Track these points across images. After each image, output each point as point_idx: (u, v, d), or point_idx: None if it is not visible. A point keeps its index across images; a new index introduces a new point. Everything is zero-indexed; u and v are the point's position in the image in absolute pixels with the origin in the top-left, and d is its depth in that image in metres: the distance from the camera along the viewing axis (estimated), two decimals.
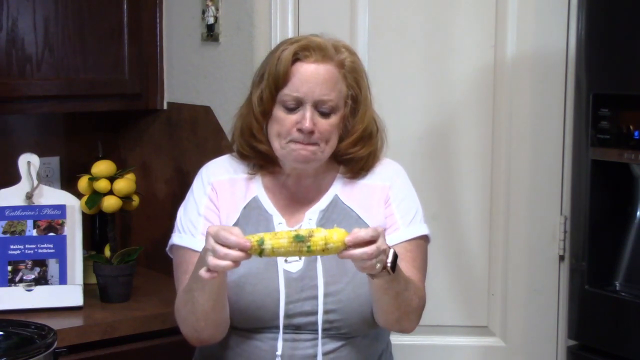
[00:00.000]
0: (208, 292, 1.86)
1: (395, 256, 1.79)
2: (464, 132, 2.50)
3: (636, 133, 2.00)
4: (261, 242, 1.73)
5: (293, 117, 1.95)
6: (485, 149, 2.50)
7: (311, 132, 1.94)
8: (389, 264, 1.78)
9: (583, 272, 2.12)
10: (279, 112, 1.97)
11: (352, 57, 2.01)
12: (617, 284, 2.12)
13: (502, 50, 2.46)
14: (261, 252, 1.73)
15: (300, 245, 1.73)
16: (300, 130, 1.94)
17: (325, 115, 1.96)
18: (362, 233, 1.73)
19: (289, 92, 1.95)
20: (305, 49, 1.96)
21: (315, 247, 1.73)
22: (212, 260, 1.73)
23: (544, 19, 2.42)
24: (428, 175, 2.51)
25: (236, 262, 1.73)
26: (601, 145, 2.07)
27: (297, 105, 1.95)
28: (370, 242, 1.73)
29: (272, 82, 1.96)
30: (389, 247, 1.79)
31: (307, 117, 1.93)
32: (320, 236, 1.73)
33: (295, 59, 1.96)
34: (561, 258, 2.46)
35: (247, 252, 1.73)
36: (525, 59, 2.45)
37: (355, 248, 1.73)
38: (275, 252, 1.74)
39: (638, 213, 2.14)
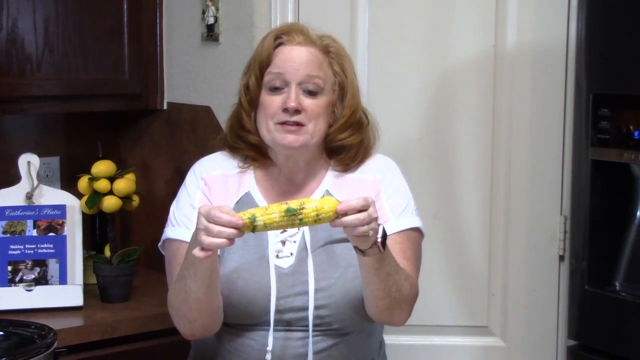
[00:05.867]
0: (201, 279, 1.85)
1: (385, 234, 1.81)
2: (464, 132, 2.50)
3: (636, 133, 2.00)
4: (253, 219, 1.73)
5: (279, 99, 1.98)
6: (485, 148, 2.50)
7: (297, 112, 1.96)
8: (379, 239, 1.78)
9: (583, 272, 2.12)
10: (265, 97, 2.00)
11: (336, 44, 2.05)
12: (617, 284, 2.12)
13: (502, 51, 2.46)
14: (254, 229, 1.74)
15: (292, 218, 1.73)
16: (286, 110, 1.95)
17: (311, 95, 1.98)
18: (353, 202, 1.74)
19: (273, 70, 1.99)
20: (286, 33, 2.02)
21: (307, 219, 1.73)
22: (206, 239, 1.73)
23: (544, 19, 2.42)
24: (428, 175, 2.51)
25: (230, 240, 1.73)
26: (601, 145, 2.06)
27: (282, 85, 1.98)
28: (361, 210, 1.74)
29: (256, 67, 2.01)
30: (379, 224, 1.80)
31: (292, 96, 1.96)
32: (312, 207, 1.73)
33: (279, 43, 2.01)
34: (561, 258, 2.46)
35: (240, 229, 1.73)
36: (525, 60, 2.45)
37: (346, 216, 1.73)
38: (267, 227, 1.74)
39: (638, 213, 2.13)
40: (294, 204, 1.74)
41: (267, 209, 1.75)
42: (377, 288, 1.89)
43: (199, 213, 1.76)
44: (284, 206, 1.74)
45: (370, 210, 1.75)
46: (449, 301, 2.55)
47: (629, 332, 2.04)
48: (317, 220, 1.74)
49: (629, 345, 2.03)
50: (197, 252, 1.76)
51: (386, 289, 1.89)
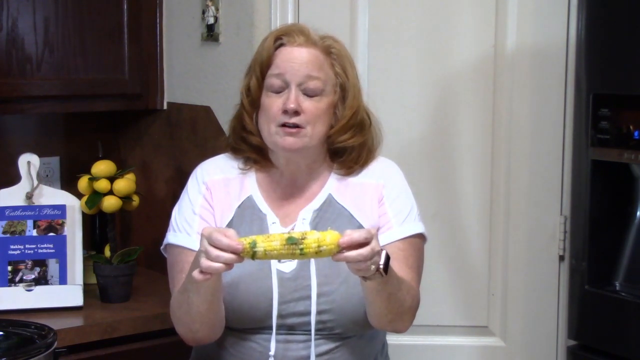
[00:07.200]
0: (203, 294, 1.85)
1: (388, 258, 1.78)
2: (464, 132, 2.50)
3: (636, 133, 2.00)
4: (253, 245, 1.72)
5: (279, 101, 1.97)
6: (485, 148, 2.50)
7: (296, 113, 1.95)
8: (381, 266, 1.76)
9: (583, 272, 2.12)
10: (266, 99, 1.99)
11: (338, 45, 2.04)
12: (617, 284, 2.12)
13: (502, 50, 2.46)
14: (253, 255, 1.72)
15: (293, 248, 1.72)
16: (285, 111, 1.95)
17: (311, 96, 1.97)
18: (355, 235, 1.72)
19: (273, 72, 1.98)
20: (287, 34, 2.00)
21: (308, 250, 1.72)
22: (204, 262, 1.72)
23: (544, 19, 2.42)
24: (428, 175, 2.51)
25: (228, 265, 1.73)
26: (601, 145, 2.06)
27: (282, 87, 1.97)
28: (364, 243, 1.72)
29: (257, 68, 2.00)
30: (382, 249, 1.78)
31: (291, 97, 1.95)
32: (313, 239, 1.71)
33: (280, 44, 2.00)
34: (561, 258, 2.46)
35: (240, 254, 1.72)
36: (525, 60, 2.45)
37: (349, 250, 1.72)
38: (267, 255, 1.73)
39: (638, 213, 2.13)
40: (295, 233, 1.74)
41: (268, 237, 1.74)
42: (380, 306, 1.89)
43: (202, 235, 1.76)
44: (285, 235, 1.73)
45: (373, 244, 1.73)
46: (449, 301, 2.55)
47: (629, 332, 2.04)
48: (317, 252, 1.72)
49: (629, 345, 2.03)
50: (196, 274, 1.75)
51: (388, 307, 1.89)
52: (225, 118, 2.33)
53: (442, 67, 2.49)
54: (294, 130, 1.96)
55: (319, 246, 1.71)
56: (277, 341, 1.95)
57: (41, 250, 2.60)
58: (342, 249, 1.71)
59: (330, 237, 1.72)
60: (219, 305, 1.91)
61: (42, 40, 2.70)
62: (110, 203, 2.66)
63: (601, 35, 2.06)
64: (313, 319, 1.94)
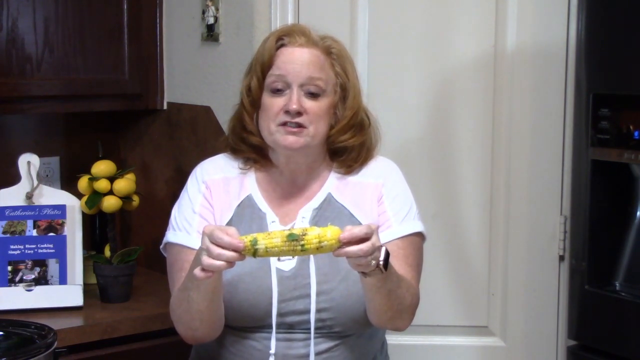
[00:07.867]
0: (203, 292, 1.86)
1: (387, 254, 1.79)
2: (464, 132, 2.50)
3: (636, 133, 2.00)
4: (254, 242, 1.72)
5: (280, 101, 1.97)
6: (485, 148, 2.50)
7: (298, 114, 1.95)
8: (381, 262, 1.77)
9: (583, 272, 2.12)
10: (267, 99, 1.99)
11: (338, 45, 2.04)
12: (617, 284, 2.12)
13: (502, 50, 2.46)
14: (255, 253, 1.73)
15: (294, 244, 1.72)
16: (287, 112, 1.95)
17: (313, 97, 1.97)
18: (356, 230, 1.72)
19: (274, 72, 1.98)
20: (288, 34, 2.01)
21: (309, 246, 1.72)
22: (206, 260, 1.73)
23: (544, 19, 2.42)
24: (428, 175, 2.51)
25: (230, 263, 1.73)
26: (601, 145, 2.07)
27: (284, 87, 1.97)
28: (364, 239, 1.73)
29: (258, 69, 2.01)
30: (382, 245, 1.79)
31: (293, 98, 1.95)
32: (314, 234, 1.72)
33: (281, 44, 2.00)
34: (561, 258, 2.46)
35: (241, 252, 1.72)
36: (525, 60, 2.45)
37: (349, 245, 1.72)
38: (269, 252, 1.73)
39: (638, 213, 2.14)
40: (296, 230, 1.74)
41: (269, 234, 1.75)
42: (379, 303, 1.89)
43: (203, 232, 1.76)
44: (286, 232, 1.74)
45: (374, 239, 1.73)
46: (449, 301, 2.55)
47: (629, 332, 2.04)
48: (319, 248, 1.72)
49: (629, 345, 2.03)
50: (197, 272, 1.75)
51: (388, 304, 1.89)
52: (225, 118, 2.33)
53: (442, 67, 2.49)
54: (295, 129, 1.96)
55: (320, 242, 1.72)
56: (277, 339, 1.95)
57: (41, 250, 2.60)
58: (342, 244, 1.72)
59: (331, 233, 1.72)
60: (219, 303, 1.91)
61: (42, 40, 2.70)
62: (110, 203, 2.66)
63: (601, 35, 2.06)
64: (312, 317, 1.94)
